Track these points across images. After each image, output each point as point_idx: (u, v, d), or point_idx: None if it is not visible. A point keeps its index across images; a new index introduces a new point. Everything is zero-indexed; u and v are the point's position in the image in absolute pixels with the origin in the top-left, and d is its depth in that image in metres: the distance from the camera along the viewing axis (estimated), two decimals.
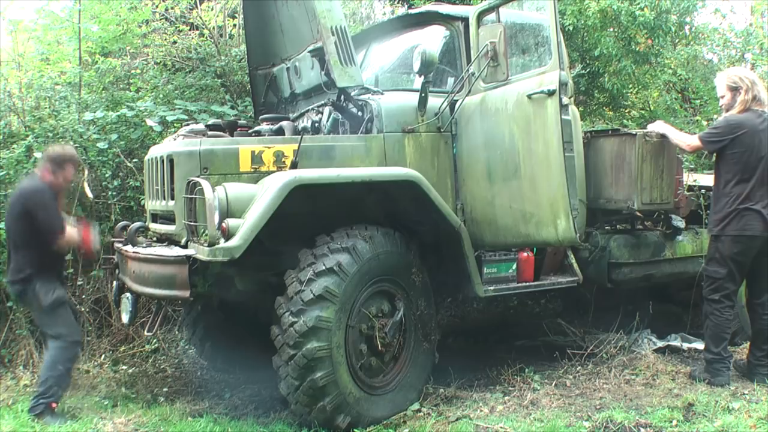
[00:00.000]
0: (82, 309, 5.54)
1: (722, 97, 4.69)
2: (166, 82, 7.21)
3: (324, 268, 3.80)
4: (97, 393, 4.71)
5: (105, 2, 7.33)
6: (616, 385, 4.54)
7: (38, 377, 4.48)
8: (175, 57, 7.80)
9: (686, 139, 4.82)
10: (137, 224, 4.57)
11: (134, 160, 5.95)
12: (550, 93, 4.14)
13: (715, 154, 4.71)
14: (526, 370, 4.80)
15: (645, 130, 5.06)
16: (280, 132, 4.60)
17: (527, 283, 4.72)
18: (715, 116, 8.29)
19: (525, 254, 4.70)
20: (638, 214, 5.01)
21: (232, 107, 6.88)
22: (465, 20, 4.83)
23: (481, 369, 4.98)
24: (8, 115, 6.26)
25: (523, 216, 4.37)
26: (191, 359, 5.46)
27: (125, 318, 4.37)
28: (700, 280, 5.33)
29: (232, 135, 4.50)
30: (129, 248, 4.27)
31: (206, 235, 3.68)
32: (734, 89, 4.59)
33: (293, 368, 3.72)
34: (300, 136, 4.20)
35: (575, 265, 4.97)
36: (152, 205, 4.59)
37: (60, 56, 7.71)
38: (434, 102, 4.60)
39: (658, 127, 5.00)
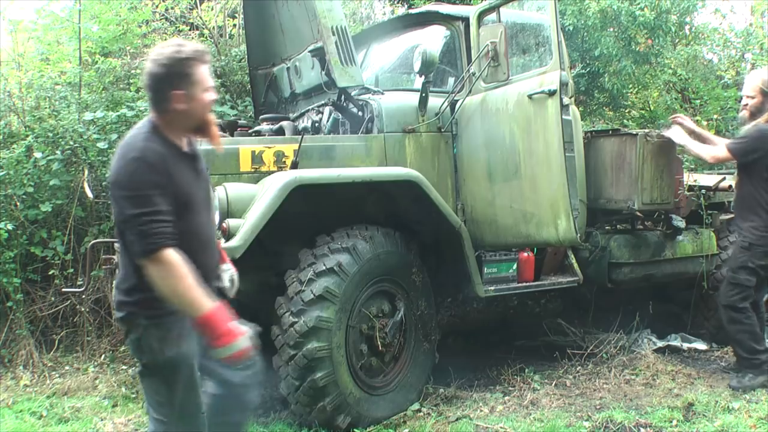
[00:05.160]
0: (82, 309, 5.54)
1: (749, 97, 4.57)
2: None
3: (324, 268, 3.80)
4: (97, 393, 4.71)
5: (105, 2, 7.32)
6: (616, 385, 4.55)
7: None
8: None
9: (709, 151, 4.64)
10: None
11: None
12: (551, 93, 4.14)
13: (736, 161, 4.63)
14: (526, 370, 4.80)
15: (656, 133, 4.95)
16: (280, 132, 4.60)
17: (527, 283, 4.73)
18: (715, 116, 8.30)
19: (525, 254, 4.70)
20: (638, 214, 5.00)
21: (232, 107, 6.87)
22: (465, 20, 4.83)
23: (481, 369, 4.98)
24: (8, 115, 6.25)
25: (524, 216, 4.37)
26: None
27: None
28: (700, 280, 5.35)
29: (232, 135, 4.50)
30: None
31: None
32: (766, 94, 4.48)
33: (293, 368, 3.72)
34: (300, 136, 4.20)
35: (575, 265, 4.98)
36: None
37: (60, 56, 7.69)
38: (435, 102, 4.59)
39: (674, 136, 4.83)
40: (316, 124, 4.76)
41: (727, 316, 4.62)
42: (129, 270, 2.43)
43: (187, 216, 2.39)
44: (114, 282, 2.53)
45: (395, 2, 9.87)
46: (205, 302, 2.32)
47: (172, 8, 8.27)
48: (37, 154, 5.51)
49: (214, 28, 8.23)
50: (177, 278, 2.28)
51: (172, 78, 2.39)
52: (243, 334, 2.36)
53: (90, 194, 5.57)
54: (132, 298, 2.42)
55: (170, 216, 2.32)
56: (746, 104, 4.64)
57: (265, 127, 4.67)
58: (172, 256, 2.28)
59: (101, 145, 5.70)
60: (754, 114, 4.58)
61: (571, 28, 7.37)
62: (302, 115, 5.06)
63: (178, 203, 2.36)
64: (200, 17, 8.27)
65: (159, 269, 2.28)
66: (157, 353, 2.41)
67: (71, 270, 5.58)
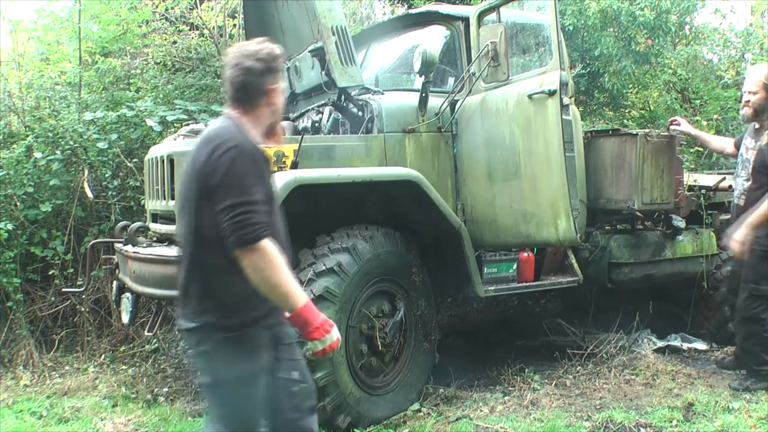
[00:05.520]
0: (82, 309, 5.54)
1: (752, 93, 4.47)
2: (166, 82, 7.21)
3: (324, 268, 3.79)
4: (97, 393, 4.71)
5: (105, 2, 7.33)
6: (616, 385, 4.55)
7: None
8: (175, 57, 7.80)
9: None
10: (137, 224, 4.57)
11: (134, 160, 5.95)
12: (551, 93, 4.14)
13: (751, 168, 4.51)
14: (526, 370, 4.80)
15: (656, 133, 4.95)
16: None
17: (527, 283, 4.72)
18: (715, 116, 8.30)
19: (525, 254, 4.70)
20: (638, 214, 5.01)
21: None
22: (465, 20, 4.83)
23: (481, 369, 4.98)
24: (8, 115, 6.26)
25: (524, 216, 4.37)
26: (191, 359, 5.45)
27: (125, 318, 4.37)
28: (700, 280, 5.35)
29: None
30: (129, 248, 4.27)
31: None
32: None
33: None
34: (300, 136, 4.20)
35: (575, 265, 4.97)
36: (152, 205, 4.59)
37: (60, 56, 7.70)
38: (435, 102, 4.59)
39: (748, 233, 4.34)
40: (316, 124, 4.75)
41: (746, 329, 4.50)
42: (208, 276, 2.33)
43: (269, 214, 2.34)
44: (179, 290, 2.41)
45: (395, 2, 9.87)
46: (301, 294, 2.30)
47: (172, 8, 8.27)
48: (37, 154, 5.52)
49: (214, 28, 8.23)
50: (274, 268, 2.23)
51: (272, 73, 2.41)
52: (334, 327, 2.36)
53: (90, 194, 5.58)
54: (210, 308, 2.32)
55: (266, 206, 2.28)
56: (748, 100, 4.53)
57: None
58: (270, 246, 2.23)
59: (101, 145, 5.71)
60: (758, 111, 4.49)
61: (571, 28, 7.37)
62: (302, 115, 5.05)
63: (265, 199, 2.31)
64: (200, 17, 8.27)
65: (257, 259, 2.21)
66: (231, 368, 2.32)
67: (71, 270, 5.58)
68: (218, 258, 2.27)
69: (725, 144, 5.07)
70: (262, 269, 2.22)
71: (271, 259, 2.23)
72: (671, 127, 5.12)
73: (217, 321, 2.31)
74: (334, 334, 2.34)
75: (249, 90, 2.40)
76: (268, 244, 2.23)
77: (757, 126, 4.58)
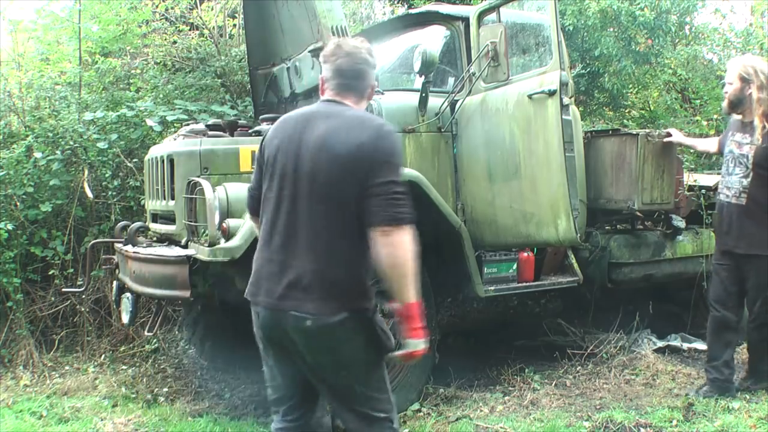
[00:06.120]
0: (82, 309, 5.54)
1: (730, 84, 4.36)
2: (166, 82, 7.21)
3: None
4: (97, 393, 4.71)
5: (105, 2, 7.33)
6: (616, 385, 4.55)
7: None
8: (175, 57, 7.80)
9: None
10: (137, 224, 4.57)
11: (134, 160, 5.95)
12: (551, 93, 4.14)
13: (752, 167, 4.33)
14: (526, 370, 4.80)
15: (656, 133, 4.96)
16: None
17: (527, 283, 4.72)
18: (715, 116, 8.30)
19: (525, 254, 4.70)
20: (638, 214, 5.01)
21: (232, 107, 6.87)
22: (465, 20, 4.83)
23: (481, 369, 4.98)
24: (8, 115, 6.25)
25: (524, 216, 4.37)
26: (191, 359, 5.46)
27: (125, 318, 4.37)
28: (700, 280, 5.35)
29: (232, 135, 4.50)
30: (129, 248, 4.27)
31: (206, 235, 3.68)
32: (745, 81, 4.26)
33: None
34: None
35: (575, 265, 4.97)
36: (152, 205, 4.59)
37: (60, 56, 7.71)
38: (435, 102, 4.59)
39: None
40: None
41: (759, 334, 4.42)
42: (356, 258, 2.29)
43: None
44: (308, 283, 2.30)
45: (395, 2, 9.88)
46: (418, 290, 2.27)
47: (172, 8, 8.27)
48: (37, 154, 5.52)
49: (214, 28, 8.23)
50: (412, 253, 2.23)
51: (375, 69, 2.50)
52: (428, 336, 2.34)
53: (90, 194, 5.58)
54: (361, 290, 2.31)
55: None
56: (726, 92, 4.41)
57: (265, 127, 4.66)
58: (413, 233, 2.24)
59: (101, 145, 5.71)
60: (734, 103, 4.34)
61: (571, 28, 7.38)
62: None
63: None
64: (200, 17, 8.27)
65: (405, 238, 2.20)
66: (388, 339, 2.34)
67: (71, 270, 5.58)
68: (362, 241, 2.26)
69: (709, 145, 4.99)
70: (405, 250, 2.21)
71: (412, 245, 2.23)
72: (665, 140, 5.04)
73: (368, 304, 2.32)
74: (427, 343, 2.32)
75: (365, 80, 2.45)
76: (412, 230, 2.24)
77: (744, 120, 4.37)
